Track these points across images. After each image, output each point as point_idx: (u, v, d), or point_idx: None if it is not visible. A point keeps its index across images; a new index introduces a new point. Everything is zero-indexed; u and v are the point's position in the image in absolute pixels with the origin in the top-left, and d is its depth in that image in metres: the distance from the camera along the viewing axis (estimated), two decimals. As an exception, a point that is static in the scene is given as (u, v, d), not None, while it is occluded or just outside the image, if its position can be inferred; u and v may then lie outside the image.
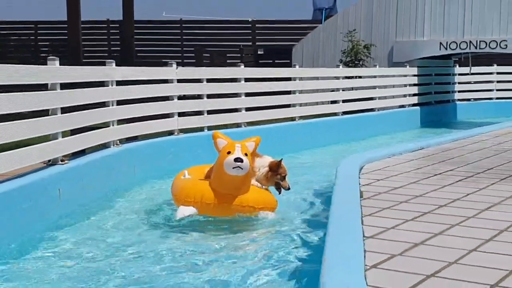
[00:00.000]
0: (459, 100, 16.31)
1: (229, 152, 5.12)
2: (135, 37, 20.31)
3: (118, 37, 20.71)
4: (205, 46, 21.15)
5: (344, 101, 11.92)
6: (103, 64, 6.92)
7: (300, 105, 10.91)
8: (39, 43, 21.93)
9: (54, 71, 5.67)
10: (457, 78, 16.16)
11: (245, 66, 9.81)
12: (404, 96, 13.98)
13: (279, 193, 5.66)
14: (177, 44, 21.71)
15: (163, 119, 8.05)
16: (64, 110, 5.85)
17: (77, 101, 6.09)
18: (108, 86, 6.84)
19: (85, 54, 20.62)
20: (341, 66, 12.33)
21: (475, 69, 16.19)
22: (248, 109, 9.63)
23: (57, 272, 4.12)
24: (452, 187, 5.24)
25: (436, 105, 15.15)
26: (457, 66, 16.20)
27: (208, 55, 20.11)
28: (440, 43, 14.20)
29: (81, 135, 6.17)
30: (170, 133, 8.22)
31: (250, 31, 21.39)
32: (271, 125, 10.17)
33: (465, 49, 14.09)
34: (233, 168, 5.07)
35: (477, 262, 3.20)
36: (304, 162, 8.89)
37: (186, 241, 4.82)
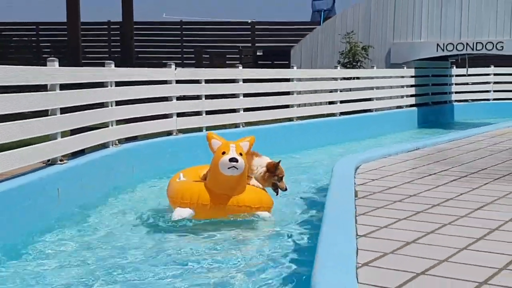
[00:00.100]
0: (456, 101, 16.34)
1: (224, 153, 5.12)
2: (136, 38, 20.34)
3: (118, 38, 20.75)
4: (205, 47, 21.19)
5: (341, 101, 11.94)
6: (103, 65, 6.95)
7: (300, 105, 10.95)
8: (41, 44, 21.97)
9: (53, 72, 5.69)
10: (454, 79, 16.19)
11: (244, 67, 9.83)
12: (402, 97, 14.01)
13: (276, 194, 5.66)
14: (177, 45, 21.76)
15: (162, 120, 8.08)
16: (65, 110, 5.88)
17: (76, 101, 6.11)
18: (107, 87, 6.86)
19: (87, 55, 20.68)
20: (339, 67, 12.35)
21: (472, 71, 16.22)
22: (246, 110, 9.66)
23: (55, 272, 4.12)
24: (446, 187, 5.27)
25: (433, 106, 15.18)
26: (454, 67, 16.23)
27: (208, 56, 20.16)
28: (437, 44, 14.23)
29: (80, 135, 6.20)
30: (169, 133, 8.25)
31: (249, 33, 21.43)
32: (269, 125, 10.20)
33: (461, 50, 14.13)
34: (228, 168, 5.07)
35: (467, 260, 3.22)
36: (301, 162, 8.91)
37: (183, 242, 4.82)
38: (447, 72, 16.00)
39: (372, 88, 12.89)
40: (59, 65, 5.80)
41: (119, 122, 7.18)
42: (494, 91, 16.64)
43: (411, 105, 14.25)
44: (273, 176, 5.60)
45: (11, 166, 4.90)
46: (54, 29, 21.77)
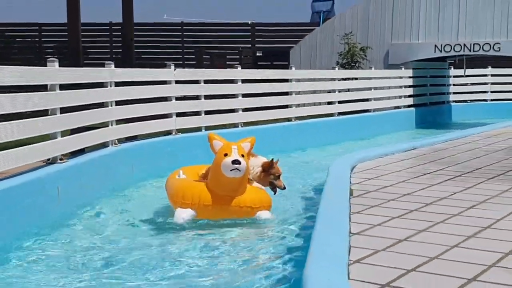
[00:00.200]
0: (454, 101, 16.36)
1: (226, 154, 5.09)
2: (137, 39, 20.38)
3: (120, 39, 20.79)
4: (205, 48, 21.23)
5: (340, 102, 11.97)
6: (103, 66, 6.98)
7: (298, 105, 10.99)
8: (43, 44, 22.01)
9: (53, 72, 5.73)
10: (451, 80, 16.22)
11: (244, 68, 9.87)
12: (400, 97, 14.04)
13: (274, 193, 5.65)
14: (178, 46, 21.80)
15: (161, 119, 8.11)
16: (65, 110, 5.92)
17: (76, 101, 6.14)
18: (106, 87, 6.89)
19: (89, 56, 20.73)
20: (337, 68, 12.38)
21: (469, 71, 16.25)
22: (245, 110, 9.69)
23: (53, 271, 4.14)
24: (440, 186, 5.30)
25: (431, 106, 15.21)
26: (452, 68, 16.26)
27: (209, 57, 20.19)
28: (435, 45, 14.26)
29: (79, 134, 6.23)
30: (168, 133, 8.28)
31: (249, 34, 21.47)
32: (267, 125, 10.22)
33: (459, 51, 14.16)
34: (231, 170, 5.05)
35: (457, 257, 3.26)
36: (299, 161, 8.94)
37: (182, 241, 4.82)
38: (444, 73, 16.03)
39: (370, 89, 12.92)
40: (59, 66, 5.82)
41: (119, 122, 7.21)
42: (492, 91, 16.65)
43: (409, 106, 14.27)
44: (269, 175, 5.61)
45: (11, 165, 4.93)
46: (56, 30, 21.82)
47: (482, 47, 13.93)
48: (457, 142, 8.52)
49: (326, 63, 14.84)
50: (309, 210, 5.79)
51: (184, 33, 21.77)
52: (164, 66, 8.41)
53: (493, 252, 3.34)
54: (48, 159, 5.66)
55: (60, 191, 5.42)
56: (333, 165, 6.09)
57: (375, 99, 13.05)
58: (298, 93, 11.29)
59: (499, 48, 13.79)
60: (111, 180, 6.58)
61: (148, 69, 8.24)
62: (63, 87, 5.94)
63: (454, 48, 14.11)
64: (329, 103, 12.00)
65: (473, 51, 14.03)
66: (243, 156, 5.14)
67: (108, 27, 21.80)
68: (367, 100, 12.85)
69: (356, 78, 12.91)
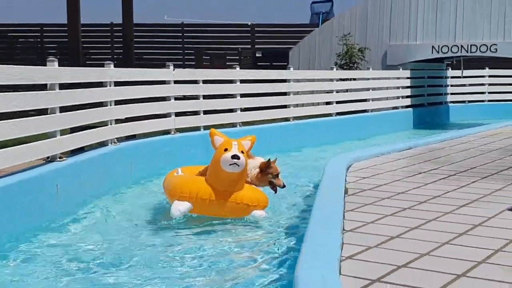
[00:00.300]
0: (451, 102, 16.39)
1: (226, 150, 5.14)
2: (138, 40, 20.39)
3: (121, 39, 20.82)
4: (205, 49, 21.27)
5: (338, 102, 12.00)
6: (103, 66, 7.02)
7: (297, 105, 11.02)
8: (45, 45, 22.05)
9: (52, 72, 5.76)
10: (449, 81, 16.25)
11: (243, 68, 9.90)
12: (397, 98, 14.07)
13: (275, 192, 5.66)
14: (178, 47, 21.83)
15: (160, 119, 8.15)
16: (65, 109, 5.95)
17: (75, 101, 6.18)
18: (106, 86, 6.93)
19: (92, 57, 20.77)
20: (335, 69, 12.41)
21: (467, 72, 16.28)
22: (243, 110, 9.73)
23: (52, 268, 4.15)
24: (434, 185, 5.33)
25: (428, 107, 15.24)
26: (450, 69, 16.29)
27: (209, 57, 20.23)
28: (432, 46, 14.29)
29: (78, 133, 6.26)
30: (167, 132, 8.31)
31: (249, 34, 21.49)
32: (265, 125, 10.25)
33: (456, 52, 14.19)
34: (230, 165, 5.09)
35: (448, 254, 3.29)
36: (297, 161, 8.96)
37: (178, 241, 4.82)
38: (442, 73, 16.06)
39: (368, 89, 12.95)
40: (59, 66, 5.86)
41: (118, 121, 7.24)
42: (489, 92, 16.68)
43: (407, 106, 14.30)
44: (267, 175, 5.63)
45: (11, 163, 4.96)
46: (58, 30, 21.84)
47: (479, 48, 13.96)
48: (452, 142, 8.55)
49: (325, 63, 14.87)
50: (305, 209, 5.80)
51: (185, 34, 21.79)
52: (163, 66, 8.44)
53: (483, 249, 3.37)
54: (48, 157, 5.69)
55: (59, 189, 5.45)
56: (329, 164, 6.12)
57: (373, 99, 13.08)
58: (297, 93, 11.32)
59: (496, 49, 13.82)
60: (110, 179, 6.60)
61: (147, 69, 8.27)
62: (63, 86, 5.97)
63: (451, 49, 14.14)
64: (327, 103, 12.03)
65: (470, 52, 14.07)
66: (242, 152, 5.17)
67: (109, 28, 21.82)
68: (365, 100, 12.88)
69: (354, 79, 12.94)
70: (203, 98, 8.98)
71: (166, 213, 5.41)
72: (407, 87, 14.31)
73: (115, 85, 7.07)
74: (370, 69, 13.26)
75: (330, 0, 22.23)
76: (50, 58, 5.82)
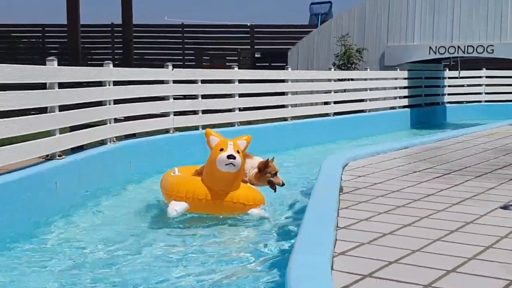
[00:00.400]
0: (449, 102, 16.41)
1: (221, 149, 5.14)
2: (138, 40, 20.45)
3: (121, 40, 20.87)
4: (205, 49, 21.32)
5: (335, 102, 12.03)
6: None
7: (296, 105, 11.05)
8: (47, 45, 22.09)
9: (52, 71, 5.79)
10: (446, 82, 16.28)
11: (243, 69, 9.93)
12: (395, 98, 14.10)
13: (274, 190, 5.67)
14: (178, 47, 21.88)
15: (159, 118, 8.18)
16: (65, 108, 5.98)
17: (74, 100, 6.21)
18: (105, 86, 6.96)
19: (93, 57, 20.81)
20: (332, 69, 12.44)
21: (464, 73, 16.31)
22: (242, 109, 9.76)
23: (50, 265, 4.16)
24: (428, 183, 5.35)
25: (426, 107, 15.28)
26: (447, 70, 16.32)
27: (208, 58, 20.27)
28: (430, 47, 14.32)
29: (78, 132, 6.30)
30: (166, 131, 8.34)
31: (248, 35, 21.54)
32: (264, 124, 10.28)
33: (453, 53, 14.22)
34: (226, 165, 5.09)
35: (439, 250, 3.31)
36: (294, 160, 8.98)
37: (175, 238, 4.82)
38: (439, 74, 16.09)
39: (366, 90, 12.98)
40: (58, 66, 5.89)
41: (118, 120, 7.27)
42: (486, 93, 16.71)
43: (405, 106, 14.33)
44: (265, 174, 5.64)
45: (10, 161, 4.99)
46: (59, 31, 21.88)
47: (476, 49, 14.00)
48: (448, 141, 8.58)
49: (323, 64, 14.90)
50: (302, 207, 5.80)
51: (185, 35, 21.84)
52: (163, 66, 8.48)
53: (474, 245, 3.39)
54: (47, 155, 5.72)
55: (58, 186, 5.47)
56: (325, 162, 6.14)
57: (371, 99, 13.11)
58: (295, 93, 11.35)
59: (493, 50, 13.86)
60: (109, 177, 6.63)
61: (147, 69, 8.31)
62: (62, 86, 6.00)
63: (448, 50, 14.18)
64: (325, 103, 12.06)
65: (467, 53, 14.11)
66: (238, 152, 5.18)
67: (110, 29, 21.86)
68: (362, 100, 12.91)
69: (352, 79, 12.97)
70: (202, 98, 9.01)
71: (163, 211, 5.41)
72: (405, 87, 14.34)
73: (114, 85, 7.10)
74: (368, 69, 13.28)
75: (329, 1, 22.28)
76: (50, 58, 5.85)
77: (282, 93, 10.91)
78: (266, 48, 20.88)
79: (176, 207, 5.14)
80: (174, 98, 8.50)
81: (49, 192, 5.38)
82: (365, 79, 13.02)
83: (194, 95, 9.01)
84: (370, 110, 13.04)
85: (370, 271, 2.94)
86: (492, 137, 9.11)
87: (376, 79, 13.46)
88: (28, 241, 4.68)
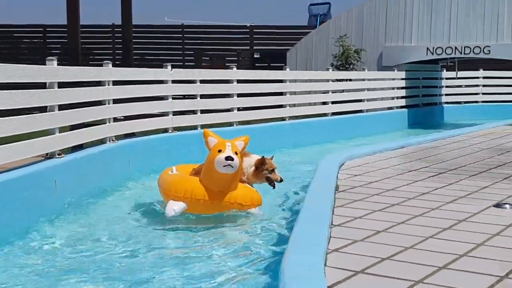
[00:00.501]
0: (446, 103, 16.44)
1: (220, 151, 5.14)
2: (139, 41, 20.51)
3: (121, 40, 20.91)
4: (205, 49, 21.35)
5: (333, 102, 12.06)
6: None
7: (295, 105, 11.08)
8: (48, 45, 22.12)
9: (51, 71, 5.81)
10: (444, 82, 16.31)
11: (242, 69, 9.95)
12: (392, 98, 14.13)
13: (273, 187, 5.67)
14: (178, 48, 21.91)
15: (158, 117, 8.21)
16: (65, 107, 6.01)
17: (74, 99, 6.23)
18: (105, 86, 6.99)
19: (95, 57, 20.84)
20: (330, 70, 12.46)
21: (461, 74, 16.34)
22: (240, 109, 9.79)
23: (49, 263, 4.17)
24: (423, 182, 5.38)
25: (423, 108, 15.30)
26: (444, 70, 16.34)
27: (208, 58, 20.30)
28: (427, 48, 14.35)
29: (77, 131, 6.31)
30: (165, 130, 8.37)
31: (248, 36, 21.56)
32: (262, 124, 10.29)
33: (450, 54, 14.25)
34: (224, 166, 5.09)
35: (431, 247, 3.34)
36: (292, 159, 9.00)
37: (173, 237, 4.83)
38: (436, 75, 16.12)
39: (363, 90, 13.00)
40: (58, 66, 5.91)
41: (117, 119, 7.29)
42: (483, 93, 16.74)
43: (402, 107, 14.36)
44: (262, 171, 5.65)
45: (10, 159, 5.01)
46: (60, 31, 21.91)
47: (473, 50, 14.03)
48: (444, 141, 8.60)
49: (322, 64, 14.92)
50: (296, 205, 5.82)
51: (185, 35, 21.87)
52: (162, 66, 8.50)
53: (466, 243, 3.42)
54: (47, 154, 5.74)
55: (58, 185, 5.49)
56: (321, 162, 6.17)
57: (369, 100, 13.14)
58: (294, 93, 11.37)
59: (489, 51, 13.89)
60: (108, 175, 6.64)
61: (146, 69, 8.33)
62: (62, 85, 6.02)
63: (445, 51, 14.21)
64: (323, 103, 12.09)
65: (464, 53, 14.14)
66: (236, 153, 5.18)
67: (110, 29, 21.89)
68: (360, 100, 12.93)
69: (350, 79, 13.00)
70: (200, 98, 9.03)
71: (162, 211, 5.41)
72: (402, 88, 14.37)
73: (113, 85, 7.13)
74: (366, 70, 13.31)
75: (327, 2, 22.32)
76: (50, 58, 5.87)
77: (281, 93, 10.93)
78: (265, 49, 20.91)
79: (174, 207, 5.15)
80: (173, 98, 8.53)
81: (49, 190, 5.39)
82: (363, 80, 13.05)
83: (193, 95, 9.03)
84: (368, 110, 13.06)
85: (362, 267, 2.97)
86: (488, 137, 9.14)
87: (374, 79, 13.48)
88: (28, 239, 4.69)
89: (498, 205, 4.39)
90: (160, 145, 7.90)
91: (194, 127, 8.83)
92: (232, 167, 5.12)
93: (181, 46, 21.85)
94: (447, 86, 16.38)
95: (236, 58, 19.39)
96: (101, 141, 6.95)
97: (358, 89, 12.93)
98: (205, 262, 4.20)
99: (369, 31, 15.03)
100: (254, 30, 21.55)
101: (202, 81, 9.04)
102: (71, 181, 5.82)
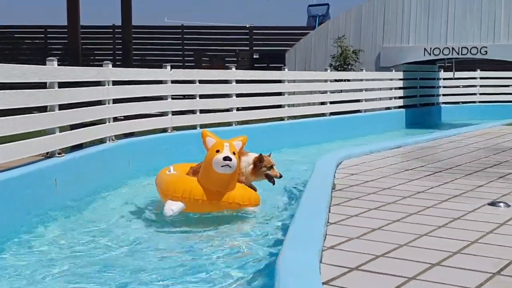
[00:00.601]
0: (443, 103, 16.46)
1: (218, 151, 5.14)
2: (139, 41, 20.54)
3: (121, 41, 20.93)
4: (205, 50, 21.38)
5: (332, 102, 12.08)
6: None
7: (294, 105, 11.11)
8: (49, 46, 22.13)
9: (51, 70, 5.84)
10: (441, 82, 16.33)
11: (241, 69, 9.98)
12: (390, 98, 14.15)
13: (273, 183, 5.66)
14: (178, 48, 21.93)
15: (157, 117, 8.24)
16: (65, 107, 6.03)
17: (74, 99, 6.25)
18: (105, 86, 7.01)
19: (96, 57, 20.87)
20: (328, 70, 12.49)
21: (459, 74, 16.37)
22: (239, 109, 9.81)
23: (48, 261, 4.18)
24: (419, 181, 5.40)
25: (421, 108, 15.32)
26: (442, 71, 16.37)
27: (208, 59, 20.32)
28: (425, 49, 14.38)
29: (77, 130, 6.34)
30: (164, 130, 8.39)
31: (247, 37, 21.59)
32: (260, 124, 10.31)
33: (447, 55, 14.28)
34: (222, 166, 5.09)
35: (425, 245, 3.36)
36: (290, 159, 9.00)
37: (171, 235, 4.84)
38: (434, 75, 16.15)
39: (361, 90, 13.03)
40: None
41: (117, 119, 7.32)
42: (480, 94, 16.76)
43: (400, 107, 14.38)
44: (261, 168, 5.65)
45: (11, 158, 5.03)
46: (61, 32, 21.93)
47: (470, 51, 14.06)
48: (441, 141, 8.63)
49: (320, 65, 14.95)
50: (295, 205, 5.83)
51: (184, 36, 21.89)
52: (161, 67, 8.52)
53: (460, 240, 3.45)
54: (47, 153, 5.76)
55: (58, 184, 5.51)
56: (319, 161, 6.19)
57: (367, 100, 13.16)
58: (293, 93, 11.40)
59: (486, 51, 13.92)
60: (107, 175, 6.66)
61: (145, 69, 8.36)
62: (62, 85, 6.05)
63: (442, 52, 14.24)
64: (322, 103, 12.11)
65: (461, 54, 14.17)
66: (234, 153, 5.19)
67: (111, 30, 21.91)
68: (358, 101, 12.96)
69: (348, 80, 13.02)
70: (200, 98, 9.06)
71: (160, 210, 5.39)
72: (400, 88, 14.39)
73: (113, 85, 7.15)
74: (364, 70, 13.34)
75: (326, 4, 22.35)
76: (50, 58, 5.90)
77: (279, 93, 10.96)
78: (264, 49, 20.94)
79: (173, 207, 5.15)
80: (172, 98, 8.55)
81: (49, 189, 5.42)
82: (361, 80, 13.07)
83: (192, 95, 9.06)
84: (366, 110, 13.09)
85: (357, 264, 2.99)
86: (484, 137, 9.16)
87: (372, 80, 13.51)
88: (28, 238, 4.70)
89: (492, 204, 4.41)
90: (159, 145, 7.93)
91: (193, 127, 8.85)
92: (230, 167, 5.13)
93: (180, 47, 21.87)
94: (444, 87, 16.40)
95: (235, 59, 19.41)
96: (101, 141, 6.97)
97: (356, 89, 12.96)
98: (205, 262, 4.20)
99: (367, 32, 15.06)
100: (254, 31, 21.58)
101: (201, 81, 9.07)
102: (71, 180, 5.84)
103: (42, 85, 5.87)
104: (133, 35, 17.46)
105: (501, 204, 4.36)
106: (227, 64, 17.52)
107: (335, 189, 4.99)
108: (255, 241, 4.62)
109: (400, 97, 14.40)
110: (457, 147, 7.90)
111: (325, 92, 11.97)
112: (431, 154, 7.28)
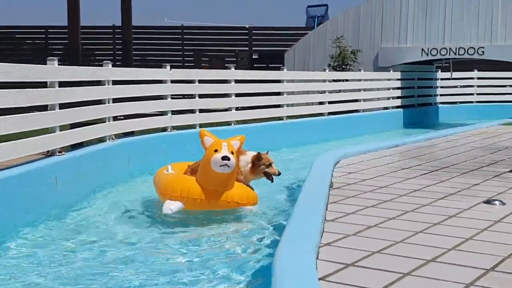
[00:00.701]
0: (441, 103, 16.48)
1: (216, 150, 5.15)
2: (139, 41, 20.54)
3: (121, 41, 20.94)
4: (204, 50, 21.39)
5: (330, 102, 12.10)
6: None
7: (293, 105, 11.13)
8: (49, 46, 22.15)
9: (52, 70, 5.85)
10: (439, 83, 16.36)
11: (240, 70, 9.99)
12: (388, 98, 14.18)
13: (271, 181, 5.68)
14: (178, 49, 21.94)
15: (157, 117, 8.26)
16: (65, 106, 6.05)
17: (74, 98, 6.27)
18: (105, 85, 7.03)
19: (96, 58, 20.88)
20: (327, 70, 12.51)
21: (456, 74, 16.40)
22: (238, 109, 9.83)
23: (49, 259, 4.19)
24: (415, 180, 5.42)
25: (418, 108, 15.35)
26: (439, 71, 16.40)
27: (207, 59, 20.34)
28: (422, 49, 14.42)
29: (77, 129, 6.36)
30: (164, 129, 8.41)
31: (247, 37, 21.61)
32: (259, 123, 10.33)
33: (445, 55, 14.31)
34: (220, 166, 5.10)
35: (421, 241, 3.38)
36: (289, 158, 9.04)
37: (170, 234, 4.84)
38: (431, 75, 16.17)
39: (359, 90, 13.05)
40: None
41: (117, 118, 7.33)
42: (478, 94, 16.79)
43: (398, 107, 14.41)
44: (259, 166, 5.66)
45: (11, 156, 5.05)
46: (62, 32, 21.94)
47: (467, 51, 14.09)
48: (438, 140, 8.65)
49: (319, 65, 14.97)
50: (293, 203, 5.83)
51: (184, 36, 21.91)
52: (161, 67, 8.54)
53: (455, 237, 3.46)
54: (47, 152, 5.78)
55: (58, 182, 5.53)
56: (317, 160, 6.21)
57: (365, 100, 13.18)
58: (292, 93, 11.42)
59: (483, 52, 13.95)
60: (107, 173, 6.68)
61: (145, 69, 8.38)
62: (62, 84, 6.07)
63: (440, 52, 14.27)
64: (320, 103, 12.14)
65: (459, 54, 14.20)
66: (232, 153, 5.20)
67: (111, 30, 21.92)
68: (356, 101, 12.98)
69: (346, 80, 13.04)
70: (199, 97, 9.08)
71: (159, 209, 5.38)
72: (398, 88, 14.42)
73: (113, 84, 7.17)
74: (362, 70, 13.36)
75: (325, 4, 22.37)
76: (50, 58, 5.91)
77: (278, 93, 10.98)
78: (263, 50, 20.96)
79: (171, 206, 5.17)
80: (172, 98, 8.57)
81: (49, 187, 5.43)
82: (359, 80, 13.10)
83: (192, 94, 9.07)
84: (364, 110, 13.11)
85: (353, 260, 3.01)
86: (480, 137, 9.18)
87: (370, 80, 13.53)
88: (28, 235, 4.72)
89: (488, 202, 4.43)
90: (159, 144, 7.95)
91: (193, 126, 8.87)
92: (229, 166, 5.14)
93: (180, 47, 21.89)
94: (442, 87, 16.43)
95: (235, 59, 19.43)
96: (101, 140, 6.99)
97: (354, 89, 12.98)
98: (203, 260, 4.20)
99: (365, 33, 15.09)
100: (253, 31, 21.60)
101: (200, 81, 9.09)
102: (72, 179, 5.85)
103: (42, 85, 5.89)
104: (133, 35, 17.45)
105: (496, 202, 4.38)
106: (226, 64, 17.53)
107: (333, 187, 5.01)
108: (253, 239, 4.62)
109: (398, 97, 14.43)
110: (453, 146, 7.92)
111: (323, 92, 11.99)
112: (428, 153, 7.30)
